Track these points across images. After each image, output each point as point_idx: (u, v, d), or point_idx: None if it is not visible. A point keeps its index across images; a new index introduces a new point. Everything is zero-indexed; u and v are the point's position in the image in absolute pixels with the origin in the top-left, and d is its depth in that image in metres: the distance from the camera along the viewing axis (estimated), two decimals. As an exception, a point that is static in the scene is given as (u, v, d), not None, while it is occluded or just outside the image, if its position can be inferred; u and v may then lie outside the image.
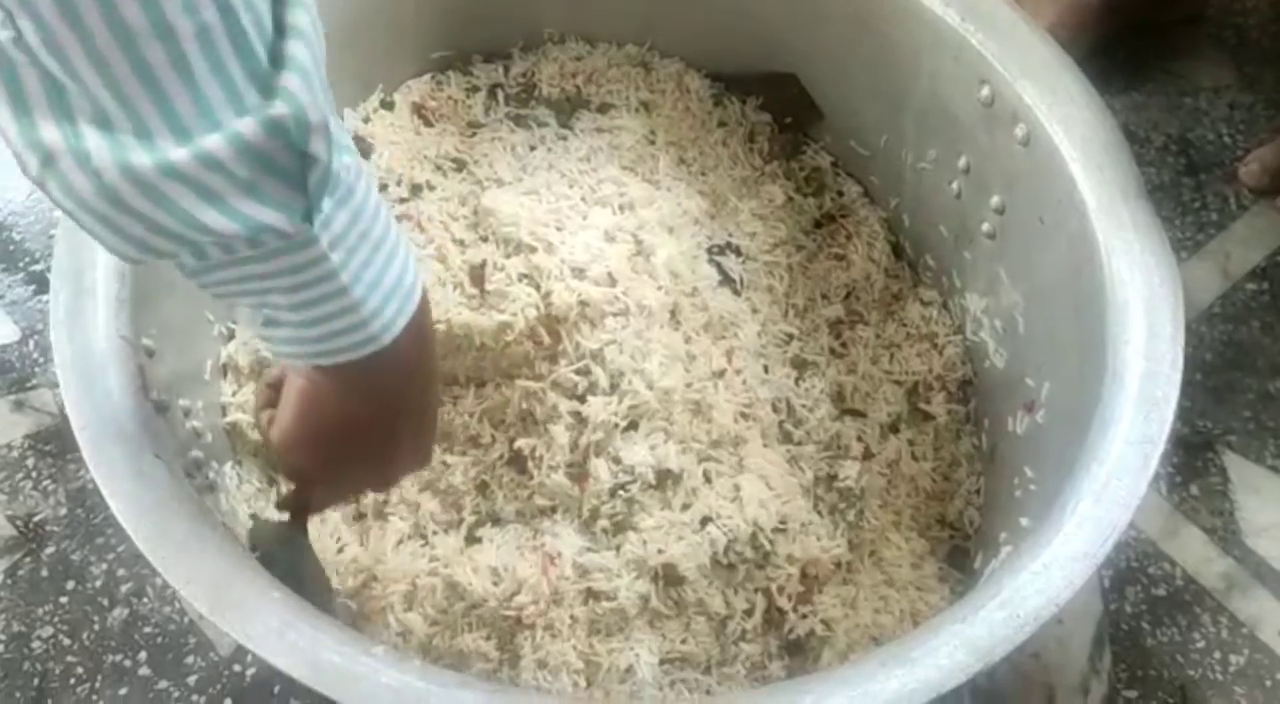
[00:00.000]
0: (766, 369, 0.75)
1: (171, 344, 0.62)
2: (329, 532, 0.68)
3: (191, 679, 0.76)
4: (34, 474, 0.84)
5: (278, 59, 0.36)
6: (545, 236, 0.72)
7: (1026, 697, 0.74)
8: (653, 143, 0.82)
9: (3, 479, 0.84)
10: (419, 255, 0.71)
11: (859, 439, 0.75)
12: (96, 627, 0.78)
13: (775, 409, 0.74)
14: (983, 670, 0.50)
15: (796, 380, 0.76)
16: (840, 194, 0.85)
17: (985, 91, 0.69)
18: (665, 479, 0.68)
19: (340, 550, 0.67)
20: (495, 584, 0.65)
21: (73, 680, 0.76)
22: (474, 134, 0.83)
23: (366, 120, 0.81)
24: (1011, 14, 0.70)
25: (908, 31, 0.73)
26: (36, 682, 0.76)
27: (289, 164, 0.37)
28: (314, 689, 0.48)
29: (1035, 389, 0.70)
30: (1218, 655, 0.79)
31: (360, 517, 0.68)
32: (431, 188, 0.78)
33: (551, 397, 0.68)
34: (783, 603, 0.68)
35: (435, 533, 0.68)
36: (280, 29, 0.36)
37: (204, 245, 0.38)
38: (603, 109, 0.84)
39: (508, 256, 0.72)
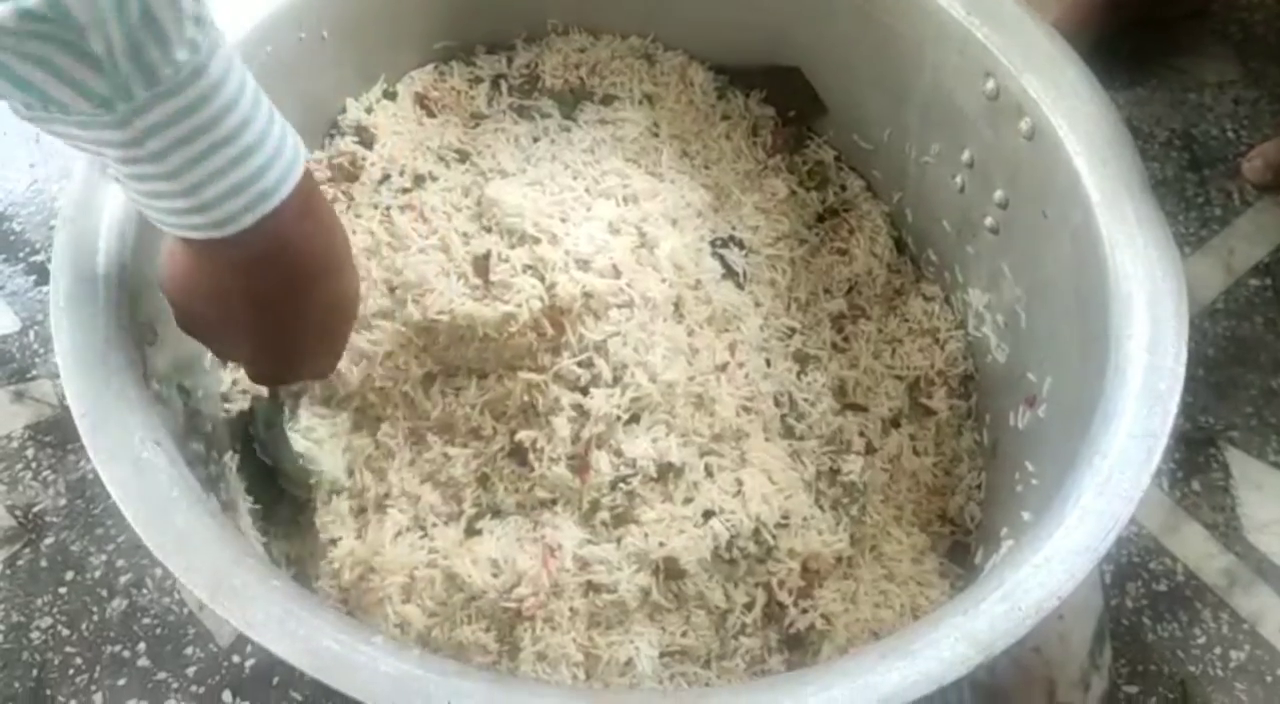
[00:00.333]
0: (769, 363, 0.75)
1: (172, 333, 0.62)
2: (328, 523, 0.68)
3: (190, 670, 0.76)
4: (34, 465, 0.84)
5: None
6: (549, 228, 0.72)
7: (1027, 691, 0.74)
8: (656, 135, 0.82)
9: (2, 469, 0.84)
10: (421, 246, 0.71)
11: (860, 434, 0.75)
12: (95, 617, 0.78)
13: (777, 403, 0.74)
14: (984, 663, 0.50)
15: (798, 374, 0.76)
16: (843, 188, 0.85)
17: (990, 85, 0.69)
18: (667, 472, 0.68)
19: (336, 543, 0.67)
20: (495, 576, 0.65)
21: (71, 671, 0.76)
22: (477, 125, 0.82)
23: (369, 110, 0.81)
24: (1016, 8, 0.70)
25: (912, 24, 0.73)
26: (35, 672, 0.76)
27: (82, 47, 0.38)
28: (313, 678, 0.48)
29: (1037, 384, 0.69)
30: (1218, 651, 0.78)
31: (361, 510, 0.68)
32: (434, 179, 0.78)
33: (554, 389, 0.68)
34: (783, 597, 0.68)
35: (435, 525, 0.68)
36: None
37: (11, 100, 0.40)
38: (606, 101, 0.84)
39: (512, 248, 0.72)
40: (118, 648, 0.77)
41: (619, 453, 0.67)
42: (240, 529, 0.59)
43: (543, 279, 0.70)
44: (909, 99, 0.77)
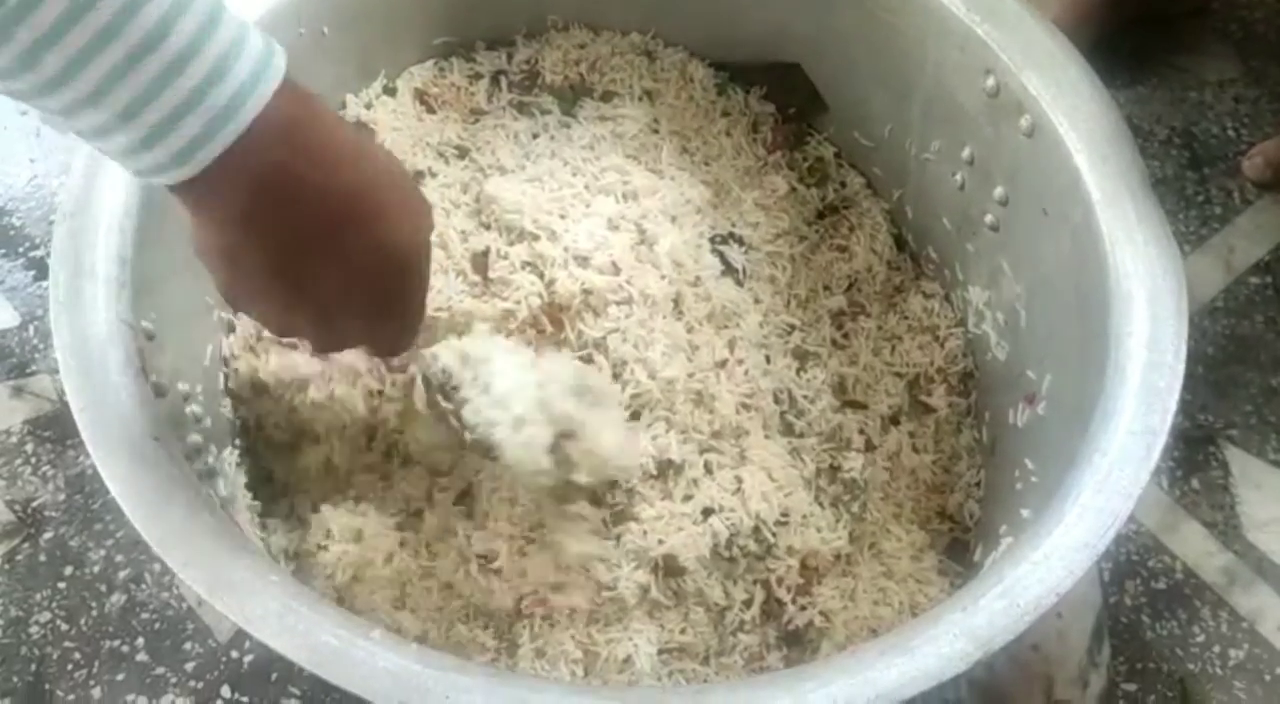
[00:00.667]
0: (768, 360, 0.75)
1: (171, 328, 0.62)
2: (320, 524, 0.67)
3: (189, 665, 0.76)
4: (33, 460, 0.84)
5: None
6: (548, 224, 0.72)
7: (1025, 688, 0.74)
8: (656, 132, 0.82)
9: (2, 464, 0.83)
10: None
11: (860, 431, 0.75)
12: (94, 612, 0.78)
13: (777, 400, 0.74)
14: (982, 660, 0.50)
15: (798, 371, 0.76)
16: (843, 185, 0.85)
17: (990, 82, 0.69)
18: (666, 469, 0.68)
19: (326, 547, 0.66)
20: (494, 572, 0.65)
21: (70, 666, 0.76)
22: (477, 121, 0.82)
23: (369, 106, 0.81)
24: (1017, 5, 0.70)
25: (913, 21, 0.73)
26: (34, 667, 0.76)
27: None
28: (312, 673, 0.48)
29: (1037, 382, 0.69)
30: (1217, 650, 0.78)
31: (356, 499, 0.68)
32: (434, 175, 0.78)
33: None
34: (781, 594, 0.68)
35: (431, 522, 0.68)
36: None
37: None
38: (606, 97, 0.84)
39: (511, 244, 0.72)
40: (116, 643, 0.77)
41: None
42: (239, 525, 0.59)
43: (542, 276, 0.70)
44: (910, 96, 0.77)
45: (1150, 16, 1.03)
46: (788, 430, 0.73)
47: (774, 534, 0.67)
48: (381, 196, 0.45)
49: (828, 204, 0.84)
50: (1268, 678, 0.78)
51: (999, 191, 0.72)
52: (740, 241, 0.78)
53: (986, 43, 0.69)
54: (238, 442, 0.69)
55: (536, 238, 0.71)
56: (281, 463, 0.69)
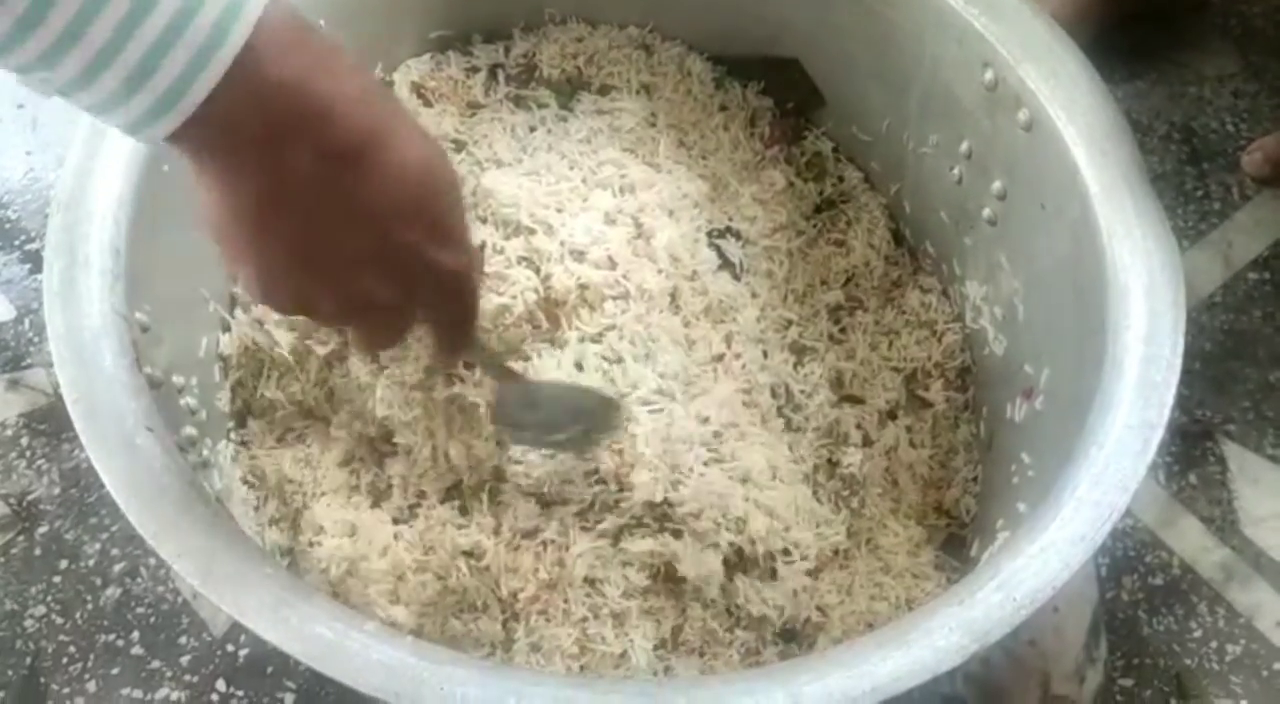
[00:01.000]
0: (765, 355, 0.75)
1: (166, 320, 0.62)
2: (315, 518, 0.67)
3: (184, 659, 0.76)
4: (28, 453, 0.84)
5: None
6: (545, 219, 0.72)
7: (1022, 684, 0.74)
8: (653, 126, 0.82)
9: (-3, 458, 0.83)
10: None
11: (858, 426, 0.75)
12: (89, 606, 0.78)
13: (774, 395, 0.73)
14: (978, 653, 0.49)
15: (795, 366, 0.75)
16: (841, 180, 0.85)
17: (988, 75, 0.69)
18: (661, 464, 0.68)
19: (320, 541, 0.66)
20: (490, 569, 0.65)
21: (65, 660, 0.76)
22: (473, 114, 0.82)
23: (365, 100, 0.80)
24: (1016, -2, 0.70)
25: (911, 15, 0.73)
26: (29, 660, 0.76)
27: None
28: (307, 667, 0.48)
29: (1034, 376, 0.69)
30: (1214, 645, 0.78)
31: (351, 490, 0.68)
32: (430, 168, 0.77)
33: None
34: (779, 590, 0.67)
35: (429, 517, 0.68)
36: None
37: None
38: (603, 91, 0.84)
39: (507, 238, 0.72)
40: (111, 636, 0.77)
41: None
42: (233, 518, 0.59)
43: (538, 271, 0.70)
44: (908, 90, 0.77)
45: (1149, 11, 1.03)
46: (785, 425, 0.73)
47: (771, 530, 0.67)
48: (394, 107, 0.43)
49: (825, 198, 0.84)
50: (1265, 673, 0.77)
51: (997, 186, 0.72)
52: (738, 236, 0.78)
53: (984, 37, 0.69)
54: (233, 434, 0.68)
55: (533, 232, 0.71)
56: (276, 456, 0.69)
